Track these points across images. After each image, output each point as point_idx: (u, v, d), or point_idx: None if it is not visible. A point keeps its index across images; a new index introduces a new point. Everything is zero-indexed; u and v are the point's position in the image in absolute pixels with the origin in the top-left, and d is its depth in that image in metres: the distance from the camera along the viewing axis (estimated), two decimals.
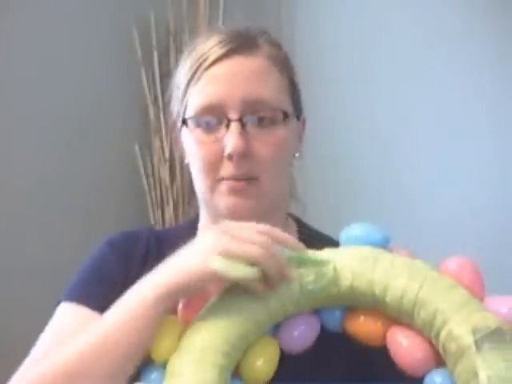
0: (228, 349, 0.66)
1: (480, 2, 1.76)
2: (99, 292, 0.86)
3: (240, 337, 0.67)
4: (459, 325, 0.63)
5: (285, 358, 0.71)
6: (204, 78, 0.86)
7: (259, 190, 0.85)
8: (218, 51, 0.85)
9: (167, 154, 2.14)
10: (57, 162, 2.05)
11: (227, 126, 0.84)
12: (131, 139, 2.16)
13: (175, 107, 0.92)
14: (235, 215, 0.83)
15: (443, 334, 0.64)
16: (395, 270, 0.67)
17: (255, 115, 0.84)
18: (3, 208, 1.96)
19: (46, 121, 2.03)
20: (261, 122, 0.85)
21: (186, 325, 0.69)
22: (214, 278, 0.67)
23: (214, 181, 0.86)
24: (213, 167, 0.85)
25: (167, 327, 0.68)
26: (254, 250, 0.66)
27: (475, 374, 0.59)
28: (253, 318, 0.67)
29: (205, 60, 0.86)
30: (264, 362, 0.69)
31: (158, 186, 2.16)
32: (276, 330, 0.71)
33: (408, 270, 0.67)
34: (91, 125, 2.11)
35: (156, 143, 2.16)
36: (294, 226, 0.94)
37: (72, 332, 0.74)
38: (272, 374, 0.70)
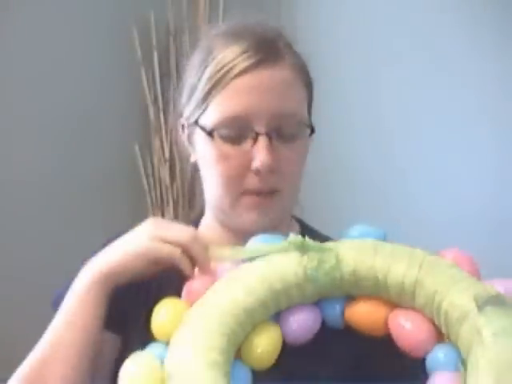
0: (233, 326, 0.67)
1: (481, 7, 1.76)
2: None
3: (246, 314, 0.68)
4: (460, 294, 0.64)
5: (284, 350, 0.72)
6: (230, 88, 0.84)
7: (280, 202, 0.86)
8: (243, 62, 0.84)
9: (167, 154, 2.14)
10: (57, 162, 2.05)
11: (254, 139, 0.83)
12: (131, 139, 2.16)
13: (188, 107, 0.90)
14: (253, 230, 0.82)
15: (445, 305, 0.65)
16: (396, 255, 0.69)
17: (281, 130, 0.84)
18: (3, 208, 1.96)
19: (45, 121, 2.03)
20: (284, 136, 0.85)
21: (190, 305, 0.70)
22: (148, 256, 0.77)
23: (238, 193, 0.85)
24: (237, 180, 0.85)
25: (170, 308, 0.70)
26: (181, 235, 0.78)
27: (478, 333, 0.61)
28: (258, 297, 0.69)
29: (230, 69, 0.84)
30: (267, 346, 0.70)
31: (158, 185, 2.16)
32: (278, 317, 0.72)
33: (408, 255, 0.69)
34: (91, 125, 2.11)
35: (156, 143, 2.16)
36: (296, 227, 0.94)
37: None
38: (274, 359, 0.70)
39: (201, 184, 0.94)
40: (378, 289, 0.70)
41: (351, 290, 0.71)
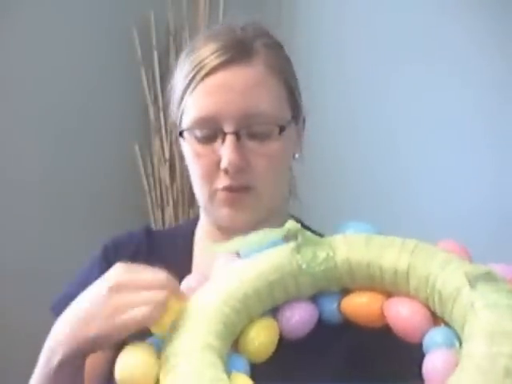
0: (229, 313, 0.68)
1: (488, 7, 1.76)
2: None
3: (241, 303, 0.68)
4: (452, 273, 0.66)
5: (280, 345, 0.72)
6: (200, 88, 0.85)
7: (255, 199, 0.86)
8: (214, 61, 0.84)
9: (167, 154, 2.14)
10: (56, 162, 2.05)
11: (222, 139, 0.84)
12: (131, 139, 2.16)
13: (173, 110, 0.92)
14: (231, 226, 0.85)
15: (438, 285, 0.66)
16: (387, 244, 0.71)
17: (251, 129, 0.84)
18: (3, 208, 1.96)
19: (45, 121, 2.03)
20: (256, 135, 0.85)
21: (186, 301, 0.70)
22: (114, 338, 0.68)
23: (211, 191, 0.86)
24: (209, 178, 0.86)
25: (168, 305, 0.69)
26: (138, 315, 0.66)
27: (471, 306, 0.62)
28: (253, 287, 0.69)
29: (201, 69, 0.85)
30: (265, 339, 0.70)
31: (157, 186, 2.16)
32: (275, 312, 0.72)
33: (399, 243, 0.71)
34: (91, 125, 2.11)
35: (156, 143, 2.16)
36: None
37: None
38: (271, 352, 0.71)
39: None
40: (373, 277, 0.70)
41: (346, 281, 0.72)
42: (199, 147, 0.86)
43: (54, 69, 2.04)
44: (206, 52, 0.85)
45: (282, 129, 0.86)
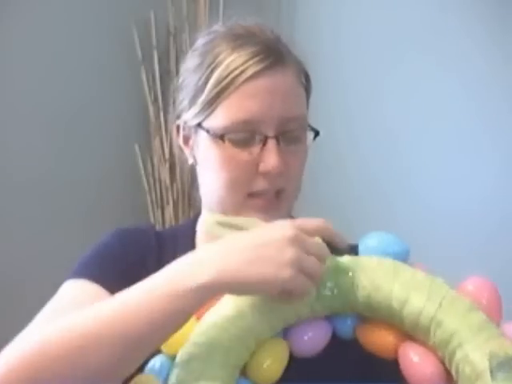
0: (239, 347, 0.66)
1: (487, 6, 1.76)
2: (106, 272, 0.86)
3: (252, 336, 0.67)
4: (475, 349, 0.62)
5: (292, 362, 0.71)
6: (240, 92, 0.84)
7: (285, 201, 0.87)
8: (256, 66, 0.84)
9: (167, 154, 2.14)
10: (57, 162, 2.05)
11: (263, 142, 0.84)
12: (131, 139, 2.16)
13: (191, 110, 0.89)
14: None
15: (458, 355, 0.63)
16: (415, 285, 0.66)
17: (287, 133, 0.85)
18: (3, 208, 1.96)
19: (45, 121, 2.03)
20: (290, 139, 0.85)
21: (198, 319, 0.69)
22: (279, 288, 0.65)
23: (243, 196, 0.85)
24: (243, 182, 0.85)
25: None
26: (318, 269, 0.66)
27: None
28: (266, 320, 0.67)
29: (242, 72, 0.84)
30: (272, 362, 0.68)
31: (157, 186, 2.16)
32: (287, 332, 0.70)
33: (428, 286, 0.66)
34: (91, 125, 2.11)
35: (156, 143, 2.16)
36: None
37: (82, 302, 0.75)
38: (279, 375, 0.69)
39: (197, 186, 0.94)
40: (392, 317, 0.67)
41: (364, 313, 0.69)
42: (234, 150, 0.84)
43: (54, 69, 2.04)
44: (243, 57, 0.85)
45: (317, 134, 0.89)
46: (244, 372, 0.69)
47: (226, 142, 0.84)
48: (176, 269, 0.67)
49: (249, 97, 0.84)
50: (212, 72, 0.86)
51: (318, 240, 0.68)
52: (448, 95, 1.82)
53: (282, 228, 0.67)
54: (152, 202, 2.16)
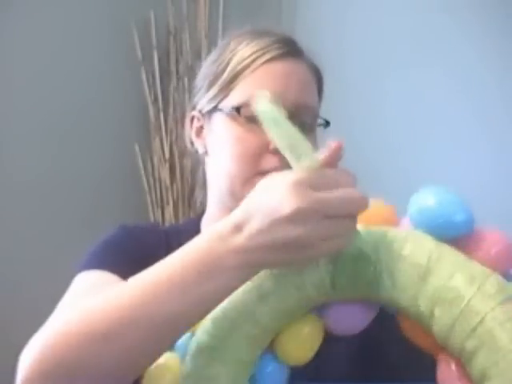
0: (265, 320, 0.61)
1: (490, 10, 1.76)
2: (119, 262, 0.84)
3: (273, 319, 0.61)
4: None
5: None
6: (259, 72, 0.88)
7: None
8: (276, 50, 0.89)
9: (167, 154, 2.14)
10: (56, 162, 2.05)
11: None
12: (131, 139, 2.16)
13: (206, 96, 0.91)
14: None
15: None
16: (450, 286, 0.54)
17: (301, 119, 0.86)
18: (3, 208, 1.96)
19: (45, 121, 2.03)
20: (303, 125, 0.85)
21: None
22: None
23: (253, 173, 0.86)
24: (254, 159, 0.86)
25: None
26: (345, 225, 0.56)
27: None
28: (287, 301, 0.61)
29: (263, 54, 0.88)
30: (303, 342, 0.63)
31: (157, 186, 2.16)
32: (324, 310, 0.63)
33: (468, 288, 0.54)
34: (91, 125, 2.11)
35: (156, 143, 2.16)
36: None
37: (98, 289, 0.66)
38: (309, 355, 0.64)
39: (200, 180, 0.95)
40: (421, 320, 0.58)
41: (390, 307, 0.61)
42: (250, 127, 0.86)
43: (53, 69, 2.04)
44: (264, 43, 0.89)
45: (327, 123, 0.92)
46: (271, 347, 0.64)
47: (242, 116, 0.87)
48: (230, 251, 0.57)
49: (267, 77, 0.88)
50: (231, 58, 0.90)
51: None
52: (448, 97, 1.82)
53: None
54: (152, 202, 2.16)
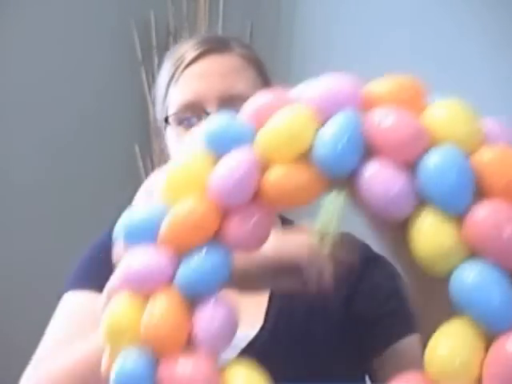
0: None
1: (487, 7, 1.76)
2: (101, 274, 0.85)
3: None
4: None
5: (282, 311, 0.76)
6: (182, 78, 0.90)
7: None
8: (193, 52, 0.91)
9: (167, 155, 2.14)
10: (57, 162, 2.05)
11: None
12: (131, 139, 2.16)
13: (159, 110, 0.96)
14: None
15: None
16: None
17: (232, 109, 0.86)
18: (3, 207, 1.96)
19: (45, 121, 2.03)
20: None
21: None
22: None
23: None
24: None
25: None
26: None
27: None
28: None
29: (182, 61, 0.91)
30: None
31: None
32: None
33: None
34: (91, 125, 2.11)
35: (156, 143, 2.16)
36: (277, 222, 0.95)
37: (81, 320, 0.78)
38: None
39: None
40: None
41: None
42: (184, 132, 0.89)
43: (54, 69, 2.04)
44: (186, 47, 0.92)
45: None
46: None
47: (175, 125, 0.90)
48: None
49: (189, 81, 0.90)
50: (160, 77, 0.96)
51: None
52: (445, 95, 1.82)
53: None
54: None
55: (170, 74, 0.92)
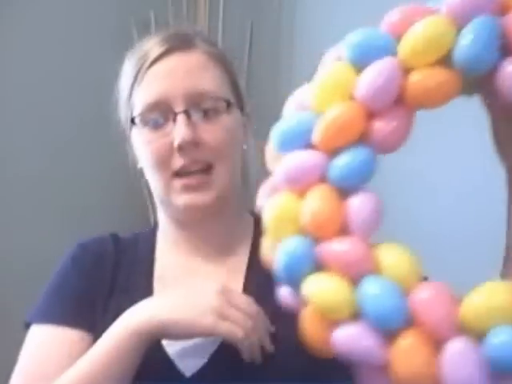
0: None
1: None
2: (64, 309, 0.88)
3: None
4: None
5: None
6: (146, 78, 0.88)
7: (215, 179, 0.87)
8: (157, 50, 0.89)
9: None
10: (56, 162, 2.05)
11: (174, 120, 0.86)
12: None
13: (123, 111, 0.95)
14: (193, 211, 0.87)
15: None
16: None
17: (199, 107, 0.86)
18: (2, 208, 1.96)
19: (45, 121, 2.03)
20: (206, 113, 0.87)
21: None
22: (206, 332, 0.75)
23: (168, 177, 0.88)
24: (164, 163, 0.87)
25: None
26: (242, 322, 0.75)
27: None
28: None
29: (145, 60, 0.89)
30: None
31: None
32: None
33: None
34: (91, 124, 2.11)
35: None
36: (250, 221, 0.95)
37: (49, 355, 0.83)
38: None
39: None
40: None
41: None
42: (151, 133, 0.88)
43: (54, 69, 2.04)
44: (149, 45, 0.91)
45: (228, 103, 0.89)
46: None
47: (141, 126, 0.88)
48: (122, 316, 0.78)
49: (153, 80, 0.88)
50: (121, 78, 0.95)
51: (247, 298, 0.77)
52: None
53: (214, 282, 0.78)
54: (152, 202, 2.15)
55: (134, 73, 0.90)
